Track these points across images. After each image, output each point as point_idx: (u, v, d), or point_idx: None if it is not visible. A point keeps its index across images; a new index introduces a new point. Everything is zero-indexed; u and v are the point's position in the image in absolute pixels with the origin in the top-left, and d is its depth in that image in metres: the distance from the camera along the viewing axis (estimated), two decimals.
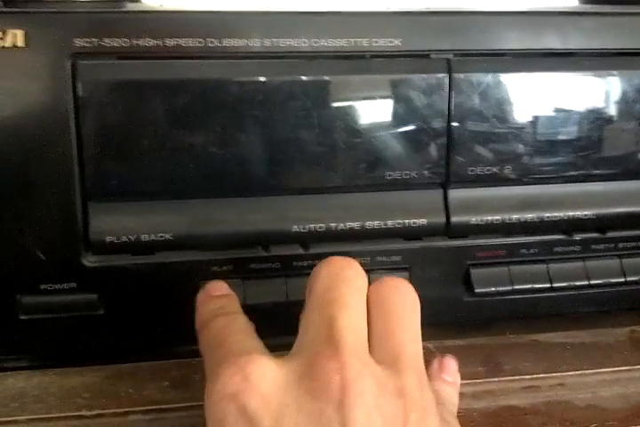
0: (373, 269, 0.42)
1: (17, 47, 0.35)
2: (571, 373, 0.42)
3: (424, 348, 0.43)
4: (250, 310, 0.37)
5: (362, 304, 0.32)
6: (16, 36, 0.35)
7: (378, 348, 0.31)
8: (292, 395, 0.28)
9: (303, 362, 0.30)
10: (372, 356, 0.31)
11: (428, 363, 0.38)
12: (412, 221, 0.41)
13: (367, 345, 0.31)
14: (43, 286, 0.38)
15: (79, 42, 0.35)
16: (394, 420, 0.28)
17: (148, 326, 0.41)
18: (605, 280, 0.45)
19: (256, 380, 0.29)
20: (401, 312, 0.32)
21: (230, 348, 0.31)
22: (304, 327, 0.32)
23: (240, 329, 0.33)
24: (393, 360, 0.31)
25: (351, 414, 0.27)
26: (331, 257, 0.34)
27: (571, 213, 0.43)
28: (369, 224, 0.40)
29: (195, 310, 0.36)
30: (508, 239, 0.43)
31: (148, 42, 0.36)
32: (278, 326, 0.42)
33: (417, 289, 0.42)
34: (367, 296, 0.33)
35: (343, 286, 0.32)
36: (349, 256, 0.41)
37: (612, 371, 0.42)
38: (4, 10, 0.36)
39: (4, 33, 0.35)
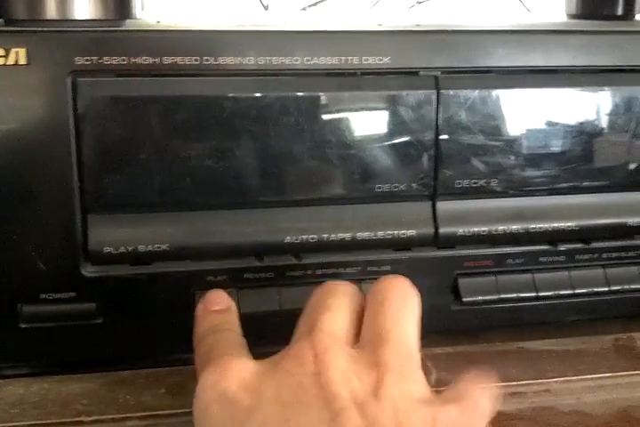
0: (364, 279, 0.43)
1: (19, 65, 0.36)
2: (556, 379, 0.43)
3: None
4: (244, 319, 0.38)
5: (346, 307, 0.34)
6: (18, 55, 0.36)
7: (363, 335, 0.32)
8: (270, 376, 0.30)
9: (281, 353, 0.31)
10: (357, 345, 0.32)
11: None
12: (401, 232, 0.42)
13: (348, 337, 0.32)
14: (43, 296, 0.39)
15: (79, 60, 0.36)
16: (368, 380, 0.29)
17: (144, 334, 0.42)
18: (590, 289, 0.46)
19: (234, 369, 0.30)
20: (391, 301, 0.34)
21: (214, 355, 0.32)
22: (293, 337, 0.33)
23: (229, 343, 0.34)
24: (373, 339, 0.32)
25: (327, 376, 0.29)
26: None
27: (555, 225, 0.44)
28: (360, 235, 0.42)
29: (193, 321, 0.37)
30: (495, 250, 0.45)
31: (146, 60, 0.37)
32: (272, 335, 0.43)
33: None
34: (366, 296, 0.34)
35: (329, 297, 0.34)
36: (341, 266, 0.43)
37: (597, 377, 0.43)
38: (7, 29, 0.37)
39: (7, 51, 0.36)
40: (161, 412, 0.39)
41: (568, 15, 0.63)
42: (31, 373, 0.42)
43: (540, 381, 0.43)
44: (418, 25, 0.47)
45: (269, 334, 0.42)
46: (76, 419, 0.38)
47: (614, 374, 0.43)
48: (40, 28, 0.37)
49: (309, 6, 0.76)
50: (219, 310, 0.37)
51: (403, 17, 0.66)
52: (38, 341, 0.40)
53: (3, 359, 0.41)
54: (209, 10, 0.76)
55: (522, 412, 0.40)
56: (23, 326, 0.40)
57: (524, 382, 0.42)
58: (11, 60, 0.36)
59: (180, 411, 0.39)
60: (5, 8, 0.38)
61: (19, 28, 0.37)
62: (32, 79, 0.36)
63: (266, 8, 0.77)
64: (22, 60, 0.36)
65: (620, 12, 0.58)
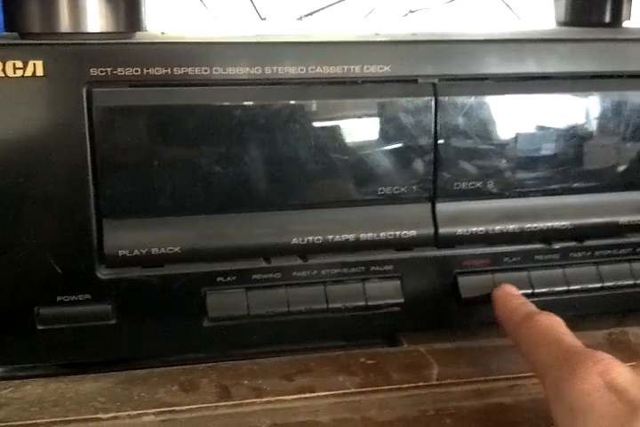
0: (367, 279, 0.45)
1: (36, 77, 0.38)
2: None
3: (415, 351, 0.46)
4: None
5: None
6: (35, 67, 0.37)
7: None
8: None
9: None
10: None
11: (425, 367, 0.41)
12: (402, 232, 0.44)
13: None
14: (59, 298, 0.41)
15: (94, 71, 0.38)
16: None
17: (157, 334, 0.43)
18: (583, 286, 0.48)
19: (617, 364, 0.35)
20: None
21: (571, 346, 0.38)
22: None
23: (567, 333, 0.40)
24: None
25: None
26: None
27: (550, 224, 0.46)
28: (363, 236, 0.43)
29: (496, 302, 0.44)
30: (492, 249, 0.46)
31: (158, 70, 0.39)
32: (281, 333, 0.45)
33: (408, 296, 0.45)
34: None
35: None
36: (345, 266, 0.44)
37: None
38: (25, 42, 0.39)
39: (24, 63, 0.37)
40: (176, 408, 0.40)
41: (557, 22, 0.65)
42: (48, 373, 0.44)
43: None
44: (414, 34, 0.49)
45: (279, 332, 0.45)
46: (94, 416, 0.39)
47: None
48: (56, 41, 0.38)
49: (305, 16, 0.78)
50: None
51: (397, 26, 0.68)
52: (55, 342, 0.42)
53: (21, 360, 0.43)
54: (205, 20, 0.78)
55: (521, 404, 0.42)
56: (40, 327, 0.41)
57: (523, 374, 0.44)
58: (28, 72, 0.37)
59: (193, 406, 0.40)
60: (20, 22, 0.40)
61: (35, 42, 0.38)
62: (48, 90, 0.38)
63: (262, 18, 0.79)
64: (39, 72, 0.38)
65: (607, 19, 0.60)
